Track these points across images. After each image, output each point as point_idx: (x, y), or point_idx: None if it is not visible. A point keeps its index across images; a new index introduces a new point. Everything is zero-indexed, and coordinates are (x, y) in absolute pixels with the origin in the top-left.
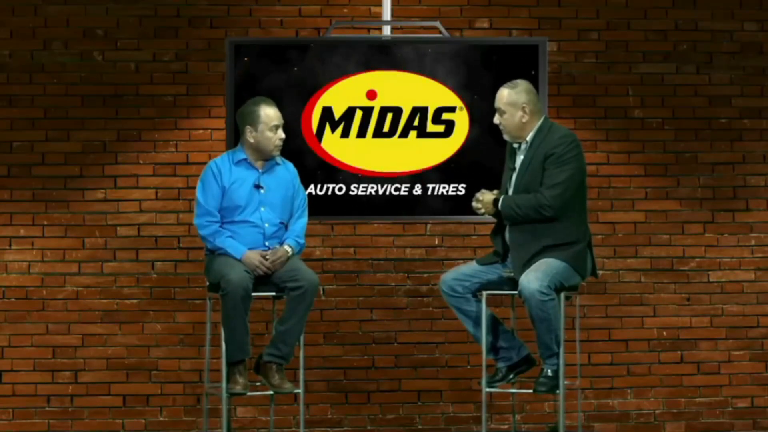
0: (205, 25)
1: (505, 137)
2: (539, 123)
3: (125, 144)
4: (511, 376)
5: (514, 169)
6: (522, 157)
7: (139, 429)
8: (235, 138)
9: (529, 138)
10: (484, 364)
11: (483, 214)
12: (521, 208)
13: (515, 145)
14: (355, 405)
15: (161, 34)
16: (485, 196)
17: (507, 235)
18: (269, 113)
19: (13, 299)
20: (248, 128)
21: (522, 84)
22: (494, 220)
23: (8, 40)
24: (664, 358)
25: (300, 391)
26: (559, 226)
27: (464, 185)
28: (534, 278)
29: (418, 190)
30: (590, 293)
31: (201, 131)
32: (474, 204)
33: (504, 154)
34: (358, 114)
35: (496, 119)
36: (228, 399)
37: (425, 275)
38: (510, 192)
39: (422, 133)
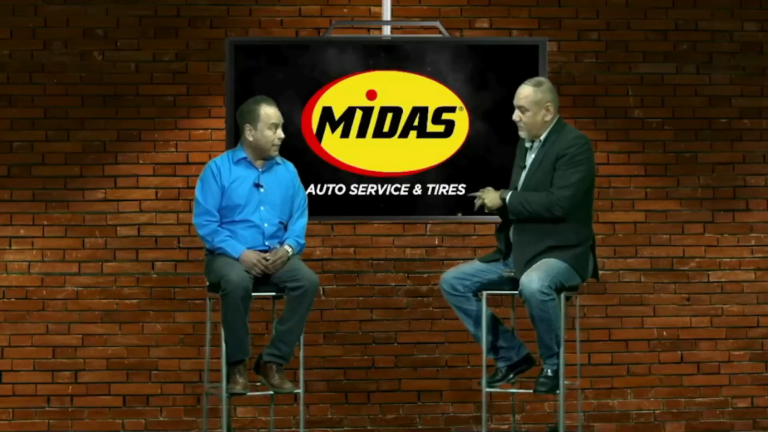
0: (205, 25)
1: (522, 134)
2: (554, 122)
3: (125, 144)
4: (511, 375)
5: (525, 167)
6: (534, 155)
7: (139, 429)
8: (235, 138)
9: (542, 137)
10: (484, 364)
11: (481, 207)
12: (531, 205)
13: (527, 144)
14: (355, 405)
15: (161, 34)
16: (490, 193)
17: (512, 234)
18: (269, 112)
19: (13, 299)
20: (247, 126)
21: (546, 82)
22: (498, 219)
23: (8, 40)
24: (664, 358)
25: (300, 391)
26: (565, 228)
27: (464, 185)
28: (535, 278)
29: (418, 190)
30: (590, 293)
31: (201, 131)
32: (476, 194)
33: (508, 153)
34: (358, 114)
35: (516, 116)
36: (228, 399)
37: (425, 275)
38: (519, 189)
39: (422, 133)
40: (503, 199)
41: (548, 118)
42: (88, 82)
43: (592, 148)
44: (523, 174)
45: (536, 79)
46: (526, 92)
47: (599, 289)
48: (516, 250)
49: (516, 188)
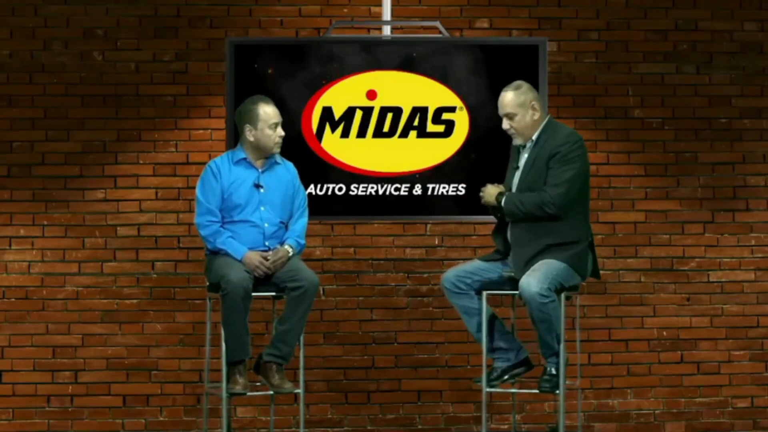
0: (205, 25)
1: (517, 141)
2: (545, 121)
3: (125, 144)
4: (506, 377)
5: (518, 167)
6: (527, 155)
7: (139, 429)
8: (235, 138)
9: (534, 137)
10: (484, 364)
11: (484, 203)
12: (525, 205)
13: (519, 142)
14: (355, 405)
15: (161, 34)
16: (490, 188)
17: (509, 234)
18: (268, 111)
19: (13, 299)
20: (247, 127)
21: (524, 84)
22: (495, 219)
23: (8, 40)
24: (664, 358)
25: (300, 391)
26: (561, 226)
27: (464, 185)
28: (534, 281)
29: (418, 190)
30: (590, 293)
31: (201, 131)
32: (481, 194)
33: (508, 153)
34: (358, 114)
35: (506, 125)
36: (228, 399)
37: (425, 275)
38: (513, 191)
39: (422, 133)
40: (499, 201)
41: (537, 116)
42: (88, 82)
43: (585, 145)
44: (517, 175)
45: (513, 83)
46: (508, 98)
47: (599, 289)
48: (514, 250)
49: (510, 189)
